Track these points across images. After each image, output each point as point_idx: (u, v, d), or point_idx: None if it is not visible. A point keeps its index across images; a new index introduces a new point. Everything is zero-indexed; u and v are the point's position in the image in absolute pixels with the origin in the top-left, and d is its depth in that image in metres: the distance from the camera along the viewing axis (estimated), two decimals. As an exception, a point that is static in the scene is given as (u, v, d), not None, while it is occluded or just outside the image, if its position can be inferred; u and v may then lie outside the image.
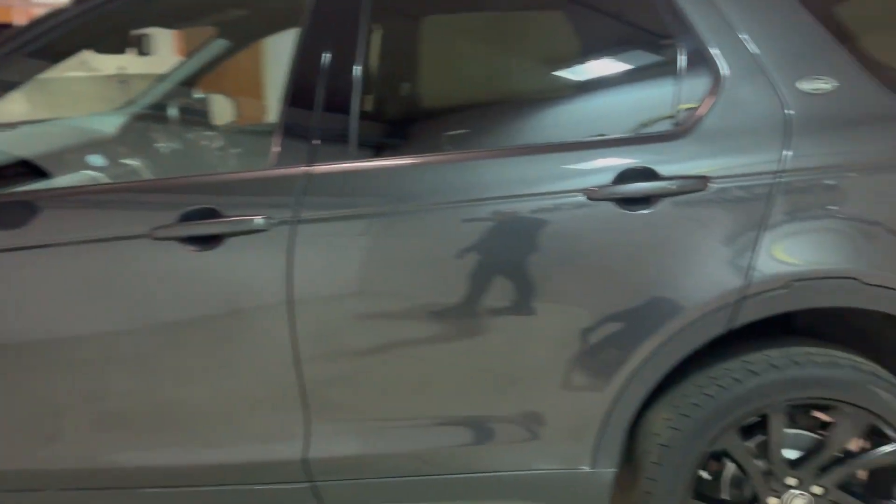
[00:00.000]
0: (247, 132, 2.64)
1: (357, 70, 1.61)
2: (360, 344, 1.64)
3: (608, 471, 1.72)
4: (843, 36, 1.58)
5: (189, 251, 1.59)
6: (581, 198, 1.55)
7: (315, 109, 1.62)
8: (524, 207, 1.56)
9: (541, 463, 1.72)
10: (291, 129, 1.64)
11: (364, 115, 1.64)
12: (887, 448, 1.64)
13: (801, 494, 1.69)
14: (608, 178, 1.55)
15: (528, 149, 1.60)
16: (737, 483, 1.73)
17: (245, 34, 2.60)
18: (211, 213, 1.59)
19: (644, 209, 1.54)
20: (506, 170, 1.58)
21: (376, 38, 1.66)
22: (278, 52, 2.61)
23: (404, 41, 1.79)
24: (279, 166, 1.62)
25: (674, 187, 1.53)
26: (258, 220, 1.57)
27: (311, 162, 1.61)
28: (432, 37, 1.77)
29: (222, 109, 2.77)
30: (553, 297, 1.60)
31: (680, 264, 1.56)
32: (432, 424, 1.70)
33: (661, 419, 1.70)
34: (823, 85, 1.56)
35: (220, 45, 2.49)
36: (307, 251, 1.58)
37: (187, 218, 1.59)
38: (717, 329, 1.58)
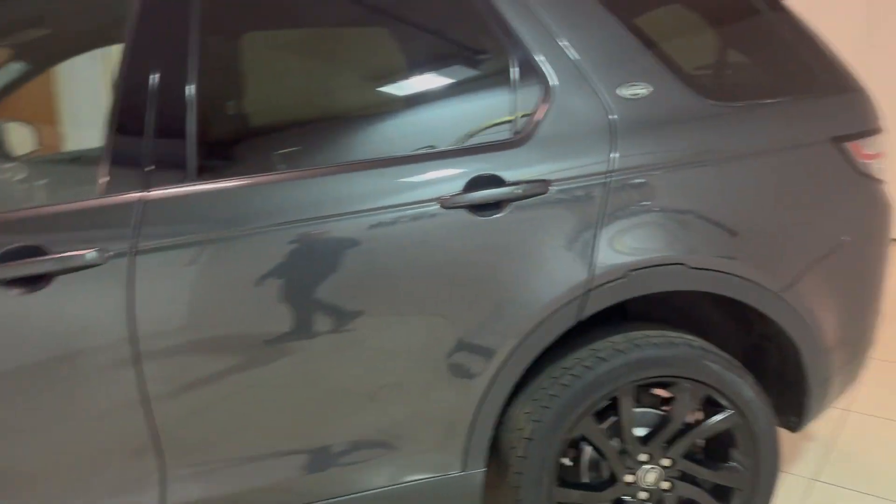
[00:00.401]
0: (56, 161, 2.41)
1: (189, 89, 1.53)
2: (209, 378, 1.54)
3: (478, 471, 1.76)
4: (650, 44, 1.74)
5: (11, 295, 1.43)
6: (435, 207, 1.58)
7: (146, 132, 1.52)
8: (377, 220, 1.56)
9: (413, 474, 1.73)
10: (121, 155, 1.52)
11: (200, 136, 1.56)
12: (720, 416, 1.81)
13: (653, 468, 1.83)
14: (458, 186, 1.60)
15: (377, 162, 1.60)
16: (594, 465, 1.84)
17: (47, 55, 2.37)
18: (34, 252, 1.44)
19: (494, 214, 1.60)
20: (355, 184, 1.57)
21: (208, 55, 1.58)
22: (76, 73, 2.42)
23: (237, 57, 1.72)
24: (110, 195, 1.50)
25: (519, 192, 1.60)
26: (91, 254, 1.45)
27: (145, 188, 1.51)
28: (266, 53, 1.73)
29: (22, 138, 2.52)
30: (414, 308, 1.61)
31: (531, 264, 1.63)
32: (295, 452, 1.65)
33: (522, 414, 1.77)
34: (640, 90, 1.71)
35: (16, 68, 2.26)
36: (148, 283, 1.48)
37: (6, 258, 1.43)
38: (568, 321, 1.68)
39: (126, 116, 1.53)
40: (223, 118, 1.66)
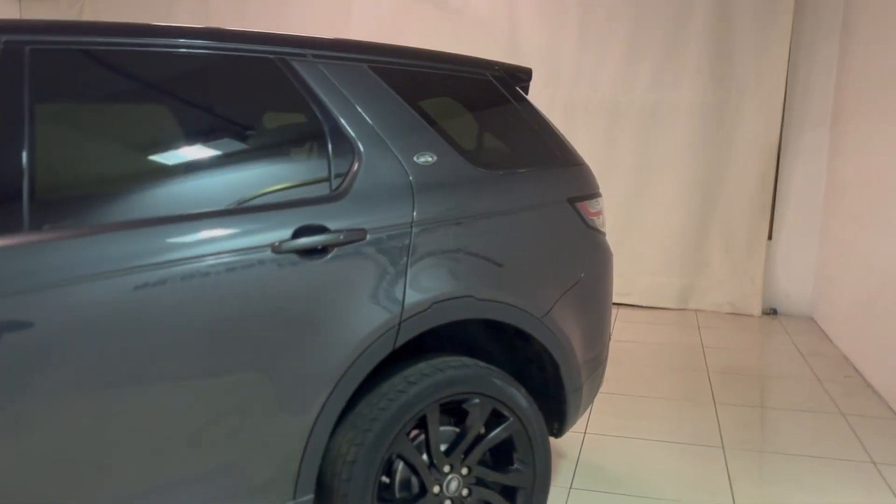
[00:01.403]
0: None
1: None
2: (38, 434, 1.54)
3: (307, 497, 1.92)
4: (432, 123, 2.16)
5: None
6: (268, 252, 1.78)
7: None
8: (211, 266, 1.71)
9: (266, 501, 1.83)
10: None
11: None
12: (504, 424, 2.19)
13: (454, 477, 2.13)
14: (288, 233, 1.82)
15: (212, 213, 1.77)
16: (405, 482, 2.09)
17: None
18: None
19: (321, 258, 1.85)
20: (187, 232, 1.71)
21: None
22: None
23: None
24: None
25: (341, 237, 1.88)
26: None
27: None
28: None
29: None
30: (246, 347, 1.76)
31: (354, 300, 1.90)
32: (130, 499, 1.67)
33: (345, 441, 1.97)
34: (429, 159, 2.11)
35: None
36: None
37: None
38: (387, 349, 1.95)
39: None
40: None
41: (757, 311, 5.98)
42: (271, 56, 1.97)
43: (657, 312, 5.98)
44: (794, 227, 5.99)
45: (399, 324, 1.96)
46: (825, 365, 4.60)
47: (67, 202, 1.67)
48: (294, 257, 1.82)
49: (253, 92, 1.98)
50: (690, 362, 4.63)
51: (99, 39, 1.75)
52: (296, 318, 1.82)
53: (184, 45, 1.85)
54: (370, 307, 1.92)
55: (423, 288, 2.00)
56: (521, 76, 2.51)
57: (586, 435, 3.38)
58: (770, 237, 6.01)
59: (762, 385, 4.23)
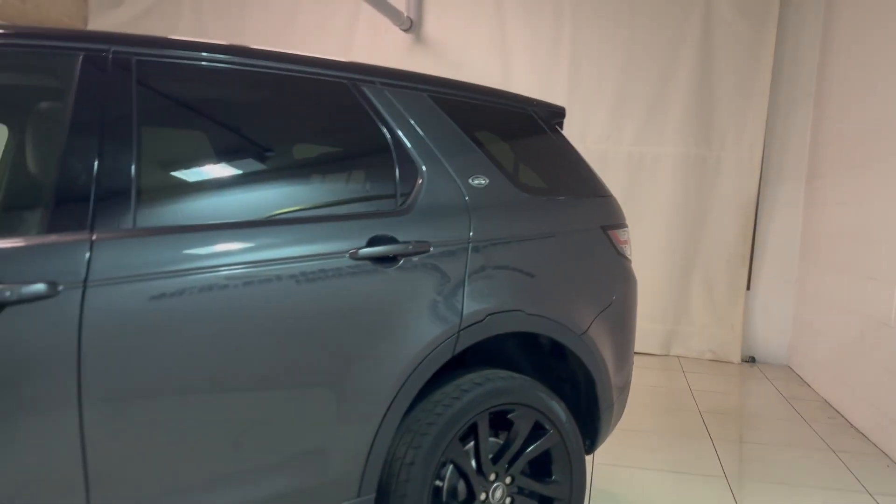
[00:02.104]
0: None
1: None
2: (145, 415, 1.62)
3: (370, 496, 1.99)
4: (483, 150, 2.32)
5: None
6: (346, 258, 1.90)
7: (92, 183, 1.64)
8: (297, 268, 1.82)
9: (333, 498, 1.90)
10: (68, 199, 1.61)
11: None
12: (545, 436, 2.29)
13: (499, 486, 2.22)
14: (363, 242, 1.94)
15: (299, 219, 1.89)
16: (452, 489, 2.17)
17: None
18: None
19: (392, 266, 1.97)
20: (280, 235, 1.83)
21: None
22: None
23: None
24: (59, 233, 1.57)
25: (410, 248, 2.00)
26: (40, 286, 1.49)
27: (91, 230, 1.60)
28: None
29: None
30: (324, 346, 1.86)
31: (420, 308, 2.01)
32: (224, 485, 1.74)
33: (403, 444, 2.05)
34: (482, 181, 2.26)
35: None
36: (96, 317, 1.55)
37: None
38: (446, 356, 2.06)
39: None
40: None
41: (736, 358, 6.19)
42: (345, 81, 2.12)
43: (642, 357, 6.15)
44: (772, 278, 6.27)
45: (458, 332, 2.08)
46: (808, 408, 4.80)
47: (169, 201, 1.77)
48: (368, 264, 1.94)
49: (328, 112, 2.12)
50: (682, 403, 4.79)
51: (197, 55, 1.88)
52: (369, 320, 1.93)
53: (273, 67, 1.99)
54: (434, 315, 2.04)
55: (480, 300, 2.13)
56: (556, 113, 2.70)
57: (595, 465, 3.48)
58: (748, 287, 6.28)
59: (753, 424, 4.39)
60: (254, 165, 1.96)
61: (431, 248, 2.06)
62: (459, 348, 2.09)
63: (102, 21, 7.17)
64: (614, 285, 2.56)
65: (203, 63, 1.89)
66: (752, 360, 6.28)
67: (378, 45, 6.65)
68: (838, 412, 4.66)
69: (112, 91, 1.72)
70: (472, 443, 2.18)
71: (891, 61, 4.33)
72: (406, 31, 6.55)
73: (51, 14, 6.75)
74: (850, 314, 4.66)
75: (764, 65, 6.02)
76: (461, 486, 2.17)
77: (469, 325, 2.10)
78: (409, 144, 2.15)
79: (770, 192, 6.25)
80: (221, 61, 1.92)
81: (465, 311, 2.09)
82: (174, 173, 1.85)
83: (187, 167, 1.88)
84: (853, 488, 3.35)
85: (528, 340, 2.54)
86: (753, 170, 6.11)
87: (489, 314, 2.15)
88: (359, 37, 6.70)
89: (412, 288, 2.01)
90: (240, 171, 1.94)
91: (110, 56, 1.76)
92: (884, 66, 4.46)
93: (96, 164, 1.64)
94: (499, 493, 2.21)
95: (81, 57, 1.72)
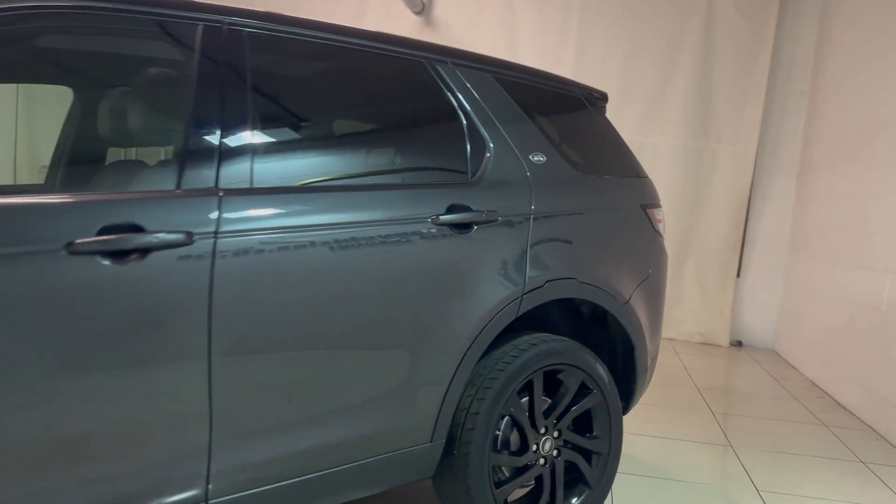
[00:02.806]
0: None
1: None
2: (266, 351, 1.78)
3: (441, 442, 2.17)
4: (541, 130, 2.50)
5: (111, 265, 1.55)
6: (428, 222, 2.07)
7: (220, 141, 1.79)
8: (386, 229, 1.98)
9: (403, 444, 2.07)
10: (197, 157, 1.76)
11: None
12: (589, 395, 2.49)
13: (549, 438, 2.41)
14: (443, 209, 2.11)
15: (387, 186, 2.06)
16: (505, 440, 2.36)
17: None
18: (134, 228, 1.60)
19: (466, 233, 2.14)
20: (374, 200, 2.00)
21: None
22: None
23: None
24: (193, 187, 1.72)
25: (483, 217, 2.18)
26: (180, 235, 1.64)
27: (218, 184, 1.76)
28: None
29: None
30: (409, 301, 2.03)
31: (489, 272, 2.19)
32: (323, 423, 1.91)
33: (467, 397, 2.24)
34: (541, 158, 2.44)
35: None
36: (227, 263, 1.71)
37: (107, 232, 1.56)
38: (511, 317, 2.24)
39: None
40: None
41: (725, 342, 6.48)
42: (422, 59, 2.28)
43: (636, 339, 6.40)
44: (761, 267, 6.56)
45: (522, 296, 2.26)
46: (797, 388, 5.08)
47: (277, 164, 1.93)
48: (447, 230, 2.11)
49: (409, 88, 2.28)
50: (679, 381, 5.04)
51: (300, 30, 2.03)
52: (448, 281, 2.10)
53: (361, 44, 2.15)
54: (502, 279, 2.22)
55: (540, 267, 2.32)
56: (601, 98, 2.89)
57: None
58: (738, 275, 6.56)
59: (747, 401, 4.66)
60: (346, 134, 2.12)
61: (499, 218, 2.23)
62: (521, 311, 2.28)
63: None
64: (651, 260, 2.77)
65: (304, 38, 2.04)
66: (739, 343, 6.58)
67: (388, 27, 6.75)
68: (825, 392, 4.96)
69: (229, 60, 1.87)
70: (526, 398, 2.37)
71: (883, 64, 4.59)
72: (418, 13, 6.67)
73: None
74: (838, 302, 4.94)
75: (762, 63, 6.27)
76: (514, 437, 2.36)
77: (531, 290, 2.29)
78: (477, 121, 2.32)
79: (762, 186, 6.52)
80: (320, 38, 2.07)
81: (527, 277, 2.28)
82: (281, 139, 2.00)
83: (292, 134, 2.03)
84: (847, 458, 3.62)
85: (568, 308, 2.73)
86: (748, 163, 6.38)
87: (548, 280, 2.33)
88: (369, 18, 6.81)
89: (483, 253, 2.18)
90: (335, 138, 2.10)
91: (224, 27, 1.90)
92: (876, 68, 4.72)
93: (220, 126, 1.79)
94: (548, 445, 2.41)
95: (201, 27, 1.86)
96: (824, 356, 5.15)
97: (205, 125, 1.79)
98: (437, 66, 2.31)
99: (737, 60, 6.31)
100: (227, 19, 1.91)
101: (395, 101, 2.27)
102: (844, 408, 4.58)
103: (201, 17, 1.87)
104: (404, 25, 6.72)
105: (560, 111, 2.72)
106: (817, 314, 5.41)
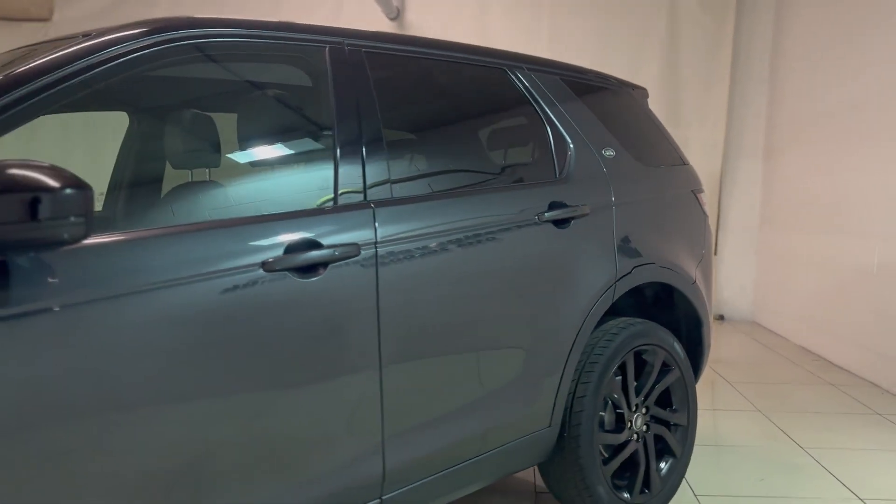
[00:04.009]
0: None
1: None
2: (421, 351, 1.88)
3: (556, 426, 2.30)
4: (608, 127, 2.66)
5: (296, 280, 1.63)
6: (535, 220, 2.19)
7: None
8: (498, 229, 2.11)
9: (531, 428, 2.20)
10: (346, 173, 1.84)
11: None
12: (670, 372, 2.66)
13: (639, 415, 2.57)
14: (544, 206, 2.24)
15: (495, 188, 2.18)
16: (601, 419, 2.51)
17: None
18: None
19: (565, 227, 2.28)
20: (484, 203, 2.11)
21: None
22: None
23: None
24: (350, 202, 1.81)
25: (578, 212, 2.32)
26: (351, 247, 1.73)
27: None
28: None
29: None
30: (524, 296, 2.16)
31: (587, 263, 2.34)
32: (466, 416, 2.02)
33: (573, 381, 2.37)
34: (611, 153, 2.60)
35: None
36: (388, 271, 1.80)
37: (292, 250, 1.63)
38: (608, 303, 2.40)
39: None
40: None
41: (708, 318, 6.81)
42: (504, 66, 2.41)
43: (627, 322, 6.66)
44: (735, 245, 6.93)
45: (615, 283, 2.42)
46: (792, 353, 5.42)
47: (404, 176, 2.03)
48: (550, 226, 2.24)
49: (492, 94, 2.40)
50: (684, 357, 5.30)
51: (406, 47, 2.13)
52: (554, 274, 2.24)
53: (454, 58, 2.26)
54: (598, 269, 2.37)
55: (626, 254, 2.48)
56: (644, 94, 3.08)
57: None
58: (715, 253, 6.90)
59: (752, 369, 4.95)
60: (451, 141, 2.23)
61: (589, 212, 2.38)
62: (616, 296, 2.43)
63: (68, 10, 6.99)
64: (703, 241, 2.97)
65: (411, 54, 2.14)
66: (721, 318, 6.92)
67: (362, 35, 6.81)
68: (819, 355, 5.30)
69: (358, 78, 1.95)
70: (619, 378, 2.53)
71: (838, 51, 4.97)
72: (393, 20, 6.76)
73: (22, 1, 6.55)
74: (823, 271, 5.30)
75: (724, 54, 6.63)
76: (609, 416, 2.51)
77: (622, 277, 2.44)
78: (556, 121, 2.46)
79: (731, 168, 6.88)
80: (424, 54, 2.17)
81: (618, 265, 2.43)
82: (407, 151, 2.09)
83: (415, 144, 2.13)
84: (863, 411, 3.92)
85: (635, 291, 2.90)
86: (717, 148, 6.73)
87: (635, 266, 2.50)
88: (343, 22, 6.83)
89: (581, 245, 2.33)
90: (447, 146, 2.21)
91: (346, 48, 1.98)
92: (832, 55, 5.11)
93: (364, 142, 1.88)
94: (640, 421, 2.57)
95: (328, 49, 1.94)
96: (812, 322, 5.50)
97: (350, 142, 1.87)
98: (517, 73, 2.44)
99: (701, 52, 6.65)
100: (347, 41, 1.99)
101: (490, 109, 2.40)
102: (841, 368, 4.93)
103: (326, 39, 1.95)
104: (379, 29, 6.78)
105: (615, 107, 2.89)
106: (798, 284, 5.77)
